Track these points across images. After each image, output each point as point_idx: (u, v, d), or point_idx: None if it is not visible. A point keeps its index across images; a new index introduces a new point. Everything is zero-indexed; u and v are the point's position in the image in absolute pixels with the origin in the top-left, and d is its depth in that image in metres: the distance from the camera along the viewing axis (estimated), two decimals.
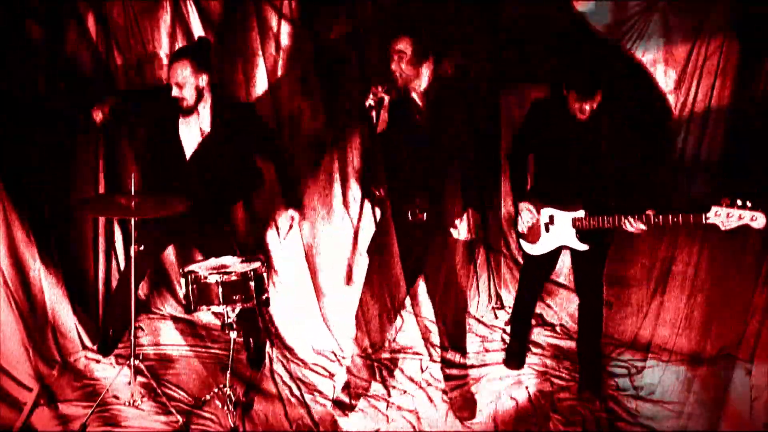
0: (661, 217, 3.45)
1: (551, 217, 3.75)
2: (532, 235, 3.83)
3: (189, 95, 3.69)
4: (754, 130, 4.05)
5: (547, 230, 3.77)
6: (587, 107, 3.51)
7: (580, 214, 3.67)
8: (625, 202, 3.55)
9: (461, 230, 3.73)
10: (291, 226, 3.95)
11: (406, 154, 3.76)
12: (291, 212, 3.92)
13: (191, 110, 3.75)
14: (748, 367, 3.83)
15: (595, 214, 3.62)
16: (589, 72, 3.54)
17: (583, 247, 3.70)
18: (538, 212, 3.78)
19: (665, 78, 4.26)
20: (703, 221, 3.37)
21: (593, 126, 3.58)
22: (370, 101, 3.56)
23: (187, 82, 3.66)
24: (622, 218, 3.52)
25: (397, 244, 3.98)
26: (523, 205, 3.79)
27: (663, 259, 4.34)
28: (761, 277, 3.90)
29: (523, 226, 3.82)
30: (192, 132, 3.81)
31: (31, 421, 3.59)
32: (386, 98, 3.59)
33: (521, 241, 3.92)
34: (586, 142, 3.61)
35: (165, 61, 4.35)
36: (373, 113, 3.57)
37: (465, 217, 3.70)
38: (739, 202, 3.31)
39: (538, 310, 4.50)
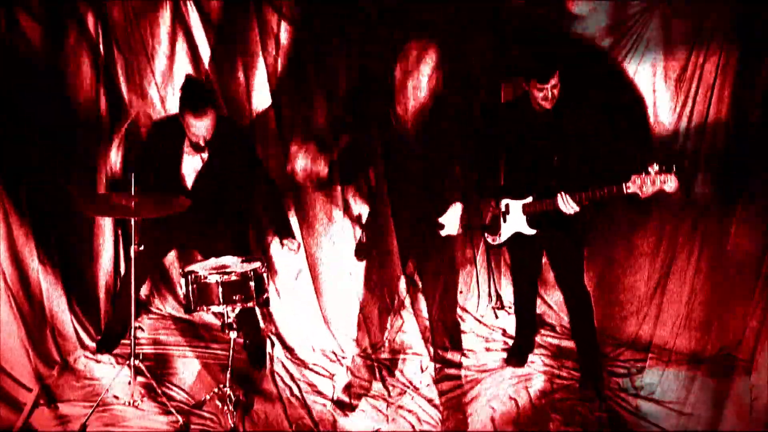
0: (591, 192, 3.55)
1: (507, 206, 3.85)
2: (494, 227, 3.89)
3: (208, 136, 3.68)
4: (754, 131, 4.05)
5: (504, 220, 3.85)
6: (549, 94, 3.61)
7: (529, 200, 3.77)
8: (560, 184, 3.64)
9: (449, 225, 3.78)
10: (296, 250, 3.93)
11: (402, 148, 3.82)
12: (287, 243, 3.86)
13: (205, 147, 3.74)
14: (748, 367, 3.83)
15: (540, 198, 3.73)
16: (543, 58, 3.64)
17: (531, 231, 3.80)
18: (498, 204, 3.86)
19: (665, 80, 4.26)
20: (624, 191, 3.49)
21: (554, 118, 3.68)
22: None
23: (210, 130, 3.64)
24: (556, 198, 3.60)
25: (397, 243, 4.00)
26: (487, 200, 3.93)
27: (663, 259, 4.34)
28: (761, 277, 3.91)
29: (486, 219, 3.92)
30: (196, 162, 3.82)
31: (31, 421, 3.59)
32: None
33: (485, 234, 4.00)
34: (548, 134, 3.70)
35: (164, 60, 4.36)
36: None
37: (452, 210, 3.75)
38: (655, 168, 3.41)
39: (537, 310, 4.49)
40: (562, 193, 3.59)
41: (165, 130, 3.83)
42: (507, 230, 3.89)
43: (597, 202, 3.61)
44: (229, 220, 3.92)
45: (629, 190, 3.48)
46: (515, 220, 3.84)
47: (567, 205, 3.59)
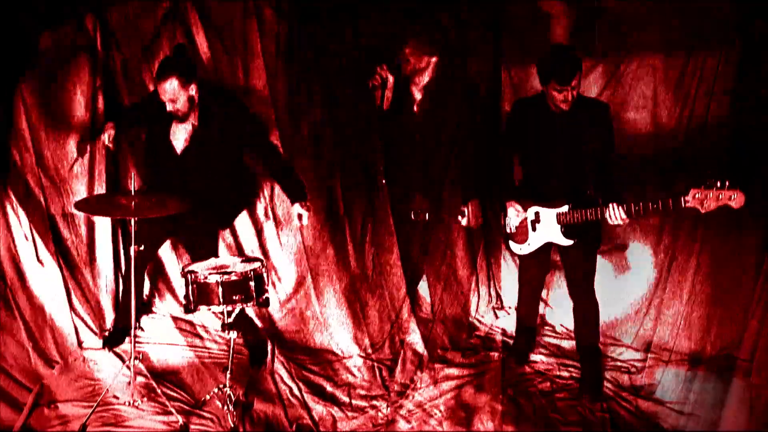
0: (641, 204, 3.45)
1: (537, 215, 3.78)
2: (520, 234, 3.84)
3: (182, 106, 3.74)
4: (754, 131, 4.05)
5: (534, 228, 3.78)
6: (569, 95, 3.51)
7: (564, 209, 3.68)
8: (604, 194, 3.57)
9: (466, 218, 3.76)
10: (301, 222, 3.96)
11: (404, 146, 3.83)
12: (297, 208, 3.92)
13: (187, 116, 3.79)
14: (748, 367, 3.83)
15: (578, 207, 3.62)
16: (564, 56, 3.53)
17: (568, 242, 3.71)
18: (525, 212, 3.79)
19: (665, 81, 4.26)
20: (683, 205, 3.38)
21: (574, 119, 3.60)
22: (374, 82, 3.65)
23: (178, 96, 3.70)
24: (604, 209, 3.52)
25: (397, 243, 4.00)
26: (510, 206, 3.81)
27: (663, 258, 4.34)
28: (761, 277, 3.90)
29: (510, 227, 3.84)
30: (185, 129, 3.84)
31: (31, 421, 3.59)
32: (390, 79, 3.70)
33: (510, 242, 3.93)
34: (568, 136, 3.62)
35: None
36: (378, 93, 3.67)
37: (470, 205, 3.73)
38: (718, 184, 3.32)
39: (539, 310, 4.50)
40: (614, 204, 3.48)
41: (154, 102, 3.87)
42: (538, 239, 3.79)
43: (645, 215, 3.50)
44: (220, 194, 3.93)
45: (687, 205, 3.36)
46: (548, 230, 3.74)
47: (616, 218, 3.49)
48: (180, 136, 3.84)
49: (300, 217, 3.94)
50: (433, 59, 3.88)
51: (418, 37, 3.85)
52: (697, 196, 3.35)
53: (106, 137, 3.82)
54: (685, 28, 4.14)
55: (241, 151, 4.04)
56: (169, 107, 3.72)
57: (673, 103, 4.25)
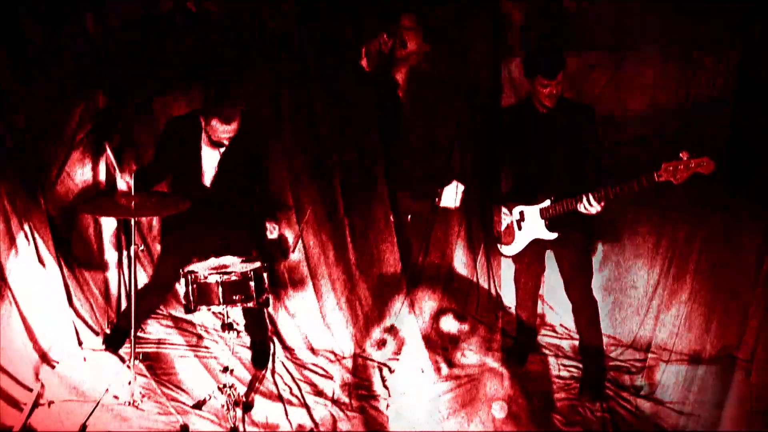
0: (617, 186, 3.49)
1: (521, 214, 3.82)
2: (507, 236, 3.86)
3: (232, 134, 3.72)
4: (755, 132, 4.05)
5: (520, 228, 3.82)
6: (555, 90, 3.56)
7: (546, 203, 3.73)
8: (581, 185, 3.61)
9: (445, 197, 3.79)
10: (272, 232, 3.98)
11: (404, 146, 3.84)
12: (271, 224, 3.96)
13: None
14: (748, 367, 3.83)
15: (559, 200, 3.67)
16: (550, 51, 3.58)
17: (553, 235, 3.75)
18: (510, 212, 3.81)
19: (665, 80, 4.26)
20: (656, 179, 3.42)
21: (561, 121, 3.65)
22: (372, 47, 3.68)
23: (234, 131, 3.68)
24: (578, 199, 3.56)
25: (397, 243, 4.00)
26: (497, 210, 3.88)
27: (663, 258, 4.34)
28: (761, 277, 3.90)
29: (499, 230, 3.87)
30: (213, 153, 3.84)
31: (31, 421, 3.59)
32: (386, 53, 3.72)
33: (498, 245, 3.95)
34: (556, 137, 3.67)
35: None
36: (369, 59, 3.69)
37: (451, 185, 3.75)
38: (686, 154, 3.36)
39: (539, 311, 4.50)
40: (584, 196, 3.54)
41: (181, 127, 3.84)
42: (524, 238, 3.84)
43: (623, 196, 3.53)
44: (246, 215, 3.95)
45: (661, 179, 3.40)
46: (532, 227, 3.79)
47: (589, 206, 3.54)
48: (209, 165, 3.83)
49: (272, 230, 3.96)
50: (425, 48, 3.87)
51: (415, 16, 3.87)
52: (669, 169, 3.39)
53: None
54: (686, 28, 4.14)
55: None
56: (215, 138, 3.68)
57: (672, 104, 4.25)
